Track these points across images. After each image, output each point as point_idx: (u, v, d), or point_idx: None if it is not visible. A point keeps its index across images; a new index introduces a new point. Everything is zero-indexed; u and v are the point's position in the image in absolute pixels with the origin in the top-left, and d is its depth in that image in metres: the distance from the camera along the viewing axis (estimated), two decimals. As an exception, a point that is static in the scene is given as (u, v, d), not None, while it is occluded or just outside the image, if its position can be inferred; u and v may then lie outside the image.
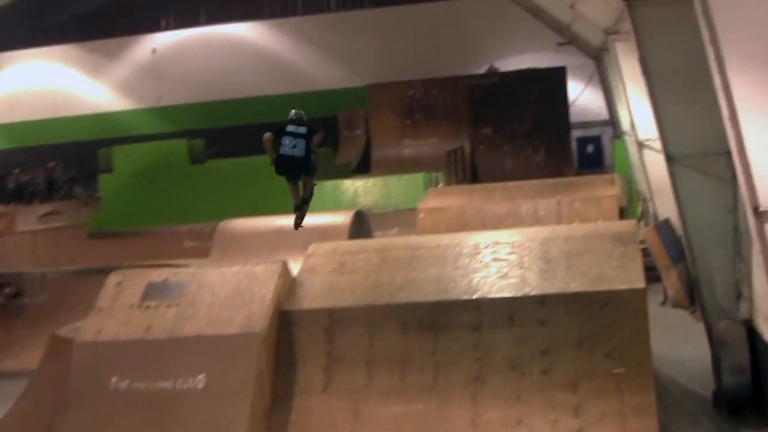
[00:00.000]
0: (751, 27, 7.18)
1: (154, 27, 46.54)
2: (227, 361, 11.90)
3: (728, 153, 7.88)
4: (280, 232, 17.94)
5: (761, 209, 7.25)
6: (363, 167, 37.04)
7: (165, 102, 45.36)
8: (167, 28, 46.76)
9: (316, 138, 14.20)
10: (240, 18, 45.99)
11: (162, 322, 12.42)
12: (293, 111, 14.39)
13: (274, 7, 46.36)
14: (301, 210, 14.54)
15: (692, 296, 16.99)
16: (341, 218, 17.98)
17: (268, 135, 14.07)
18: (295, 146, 13.76)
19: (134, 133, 42.17)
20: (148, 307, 12.65)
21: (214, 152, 34.54)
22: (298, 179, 14.40)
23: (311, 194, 14.66)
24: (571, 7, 21.06)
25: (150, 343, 12.25)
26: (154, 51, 45.89)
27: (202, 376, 11.83)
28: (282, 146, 13.79)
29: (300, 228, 14.85)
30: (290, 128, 13.90)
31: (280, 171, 14.13)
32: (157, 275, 13.30)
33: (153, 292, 12.90)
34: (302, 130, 13.91)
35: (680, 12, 12.23)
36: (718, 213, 14.28)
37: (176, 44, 46.01)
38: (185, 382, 11.84)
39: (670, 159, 14.38)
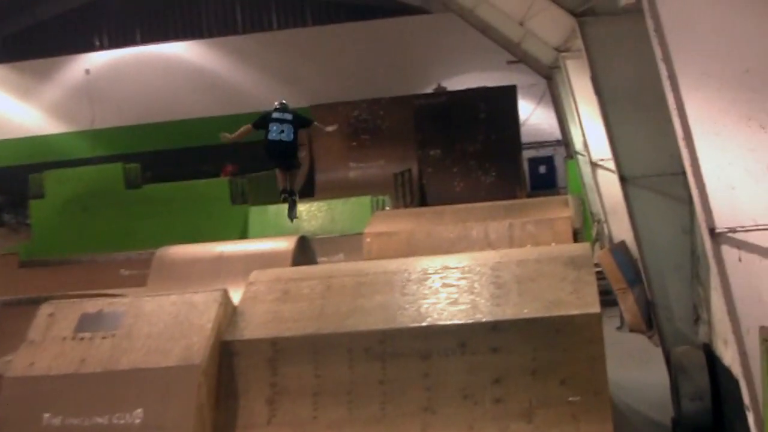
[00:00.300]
0: (705, 44, 7.24)
1: (88, 46, 46.36)
2: (166, 395, 11.81)
3: (683, 173, 7.93)
4: (220, 259, 17.85)
5: (717, 230, 7.30)
6: (307, 191, 36.99)
7: (99, 124, 45.12)
8: (101, 47, 46.62)
9: (315, 128, 15.18)
10: (177, 37, 45.92)
11: (97, 354, 12.31)
12: (277, 102, 15.18)
13: (213, 25, 46.37)
14: (290, 200, 15.14)
15: (650, 320, 17.09)
16: (284, 244, 17.88)
17: (248, 126, 14.90)
18: (282, 131, 14.76)
19: (67, 157, 41.90)
20: (82, 339, 12.53)
21: (151, 176, 34.34)
22: (287, 164, 15.04)
23: (296, 187, 15.31)
24: (521, 24, 21.17)
25: (84, 377, 12.13)
26: (87, 71, 45.65)
27: (139, 410, 11.72)
28: (270, 132, 14.84)
29: (295, 219, 15.53)
30: (276, 115, 14.77)
31: (270, 156, 14.86)
32: (92, 306, 13.18)
33: (87, 323, 12.78)
34: (288, 116, 14.83)
35: (632, 29, 12.36)
36: (675, 234, 14.42)
37: (111, 64, 45.80)
38: (122, 417, 11.73)
39: (624, 179, 14.52)
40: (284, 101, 16.27)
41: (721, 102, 7.13)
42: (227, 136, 16.32)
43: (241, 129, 16.05)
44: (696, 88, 7.32)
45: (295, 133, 15.57)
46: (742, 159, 7.05)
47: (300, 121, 16.07)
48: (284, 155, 15.77)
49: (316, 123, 17.40)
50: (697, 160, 7.34)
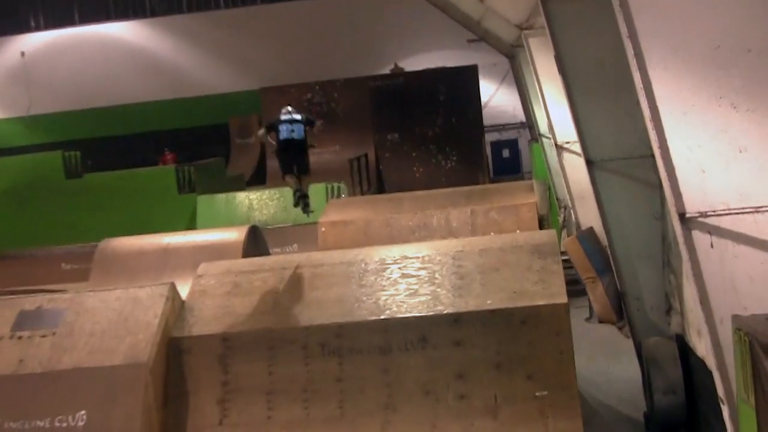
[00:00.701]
0: (673, 19, 7.27)
1: (23, 27, 46.02)
2: (111, 396, 11.77)
3: (652, 156, 7.97)
4: (166, 252, 17.79)
5: (687, 215, 7.35)
6: (258, 178, 36.98)
7: (36, 110, 44.88)
8: (37, 28, 46.25)
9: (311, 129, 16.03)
10: (118, 16, 45.67)
11: (36, 354, 12.24)
12: (284, 109, 15.96)
13: (156, 4, 46.09)
14: (303, 201, 15.79)
15: (620, 311, 17.21)
16: (234, 235, 17.86)
17: (261, 132, 15.68)
18: (293, 130, 15.44)
19: (2, 145, 41.64)
20: (20, 337, 12.46)
21: (92, 165, 34.21)
22: (300, 164, 15.67)
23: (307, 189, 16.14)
24: (481, 0, 21.22)
25: (23, 378, 12.06)
26: (23, 54, 45.35)
27: (82, 413, 11.68)
28: (280, 133, 15.60)
29: (311, 212, 16.21)
30: (285, 117, 15.43)
31: (282, 155, 15.60)
32: (30, 302, 13.11)
33: (26, 321, 12.71)
34: (297, 117, 15.58)
35: (597, 4, 12.41)
36: (645, 220, 14.49)
37: (48, 46, 45.54)
38: (64, 420, 11.68)
39: (590, 163, 14.57)
40: (290, 107, 16.87)
41: (691, 81, 7.19)
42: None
43: (263, 139, 16.81)
44: (664, 66, 7.36)
45: (305, 132, 16.18)
46: (713, 140, 7.11)
47: (307, 121, 16.62)
48: (297, 153, 16.27)
49: (316, 123, 17.90)
50: (665, 142, 7.38)
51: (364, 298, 12.46)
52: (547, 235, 14.09)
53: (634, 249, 14.80)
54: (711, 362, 7.82)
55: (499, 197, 19.87)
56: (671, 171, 7.40)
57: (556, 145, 21.36)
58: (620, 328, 18.41)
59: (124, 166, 33.11)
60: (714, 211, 7.18)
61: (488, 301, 11.99)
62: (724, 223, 7.15)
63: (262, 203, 27.49)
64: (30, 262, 24.79)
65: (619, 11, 7.56)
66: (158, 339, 12.08)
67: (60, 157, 31.50)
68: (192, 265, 14.51)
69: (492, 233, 17.24)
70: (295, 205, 16.56)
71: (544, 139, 27.02)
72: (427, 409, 11.56)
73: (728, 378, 7.51)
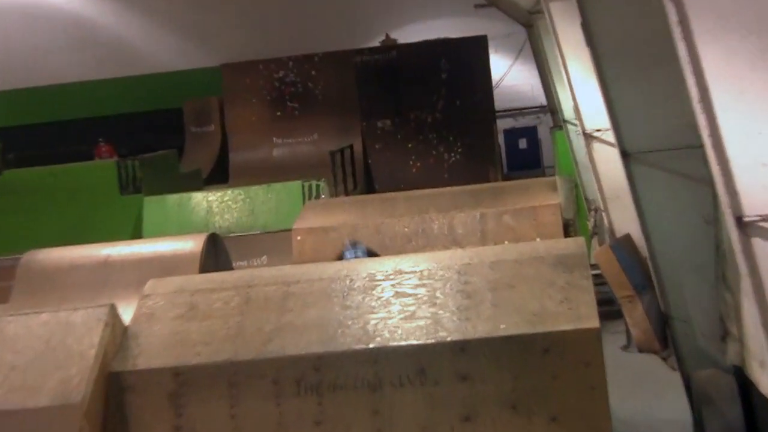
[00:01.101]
0: (726, -22, 7.30)
1: (-72, -7, 46.08)
2: (37, 444, 11.78)
3: (702, 146, 7.97)
4: (106, 266, 17.79)
5: (746, 218, 7.36)
6: (219, 175, 37.03)
7: (-55, 94, 44.94)
8: (-54, -6, 46.32)
9: None
10: (48, -21, 45.73)
11: (-55, 392, 12.26)
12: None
13: (92, -40, 46.18)
14: None
15: (664, 337, 17.23)
16: (190, 245, 17.85)
17: None
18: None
19: None
20: (-75, 373, 12.48)
21: (13, 159, 34.23)
22: None
23: None
24: (493, -45, 21.29)
25: (-72, 423, 12.08)
26: (-71, 25, 45.44)
27: (2, 465, 11.69)
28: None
29: None
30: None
31: None
32: (-62, 329, 13.12)
33: (-68, 352, 12.72)
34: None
35: (634, -40, 12.43)
36: (694, 225, 14.48)
37: (-41, 15, 45.59)
38: (-21, 474, 11.70)
39: (626, 155, 14.59)
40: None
41: (747, 53, 7.19)
42: None
43: None
44: (714, 35, 7.37)
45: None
46: (776, 126, 7.12)
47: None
48: None
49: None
50: (717, 129, 7.40)
51: (349, 323, 12.45)
52: (574, 243, 14.09)
53: (681, 260, 14.81)
54: (777, 400, 7.84)
55: (514, 198, 19.93)
56: (725, 165, 7.41)
57: (584, 133, 21.41)
58: (665, 359, 18.46)
59: (54, 160, 33.08)
60: (778, 214, 7.20)
61: (501, 326, 11.99)
62: (791, 228, 7.16)
63: (224, 206, 27.51)
64: (-63, 279, 24.84)
65: (659, -32, 7.58)
66: (95, 374, 12.06)
67: (-25, 149, 31.60)
68: (137, 282, 14.50)
69: (506, 242, 17.30)
70: None
71: (570, 126, 27.10)
72: (426, 458, 11.58)
73: (797, 419, 7.53)
